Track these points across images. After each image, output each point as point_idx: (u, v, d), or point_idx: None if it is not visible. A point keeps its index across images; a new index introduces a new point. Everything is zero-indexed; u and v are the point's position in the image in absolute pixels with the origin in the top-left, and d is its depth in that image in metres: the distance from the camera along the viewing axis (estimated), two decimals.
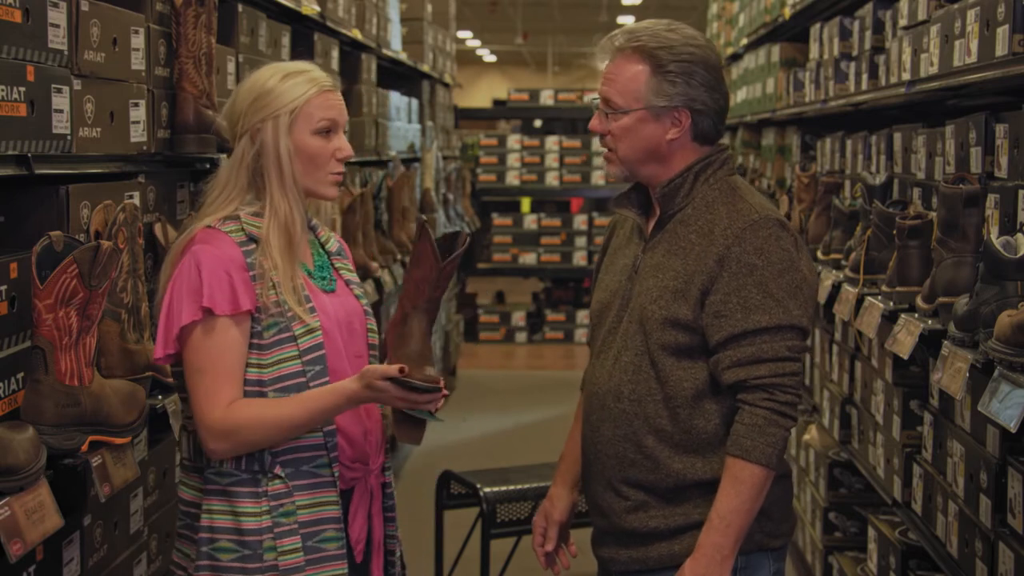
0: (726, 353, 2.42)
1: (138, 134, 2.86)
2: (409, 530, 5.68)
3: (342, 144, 2.49)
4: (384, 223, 5.87)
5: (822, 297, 4.02)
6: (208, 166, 3.36)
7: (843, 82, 4.68)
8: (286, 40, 4.26)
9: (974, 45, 2.93)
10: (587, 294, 11.94)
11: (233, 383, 2.36)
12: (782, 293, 2.42)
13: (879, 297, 3.43)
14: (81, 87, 2.54)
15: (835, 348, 4.72)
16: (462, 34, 20.05)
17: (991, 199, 2.89)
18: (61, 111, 2.42)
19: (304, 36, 4.76)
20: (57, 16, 2.41)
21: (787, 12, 5.78)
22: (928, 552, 3.38)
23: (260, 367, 2.39)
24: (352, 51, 5.81)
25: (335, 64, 5.18)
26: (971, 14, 2.95)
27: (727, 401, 2.47)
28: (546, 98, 11.89)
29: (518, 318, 11.67)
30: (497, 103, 20.38)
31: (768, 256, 2.43)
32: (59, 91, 2.41)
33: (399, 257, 5.79)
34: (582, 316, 11.62)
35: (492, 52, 25.73)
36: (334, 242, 2.63)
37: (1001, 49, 2.75)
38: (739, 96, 7.48)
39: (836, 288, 3.89)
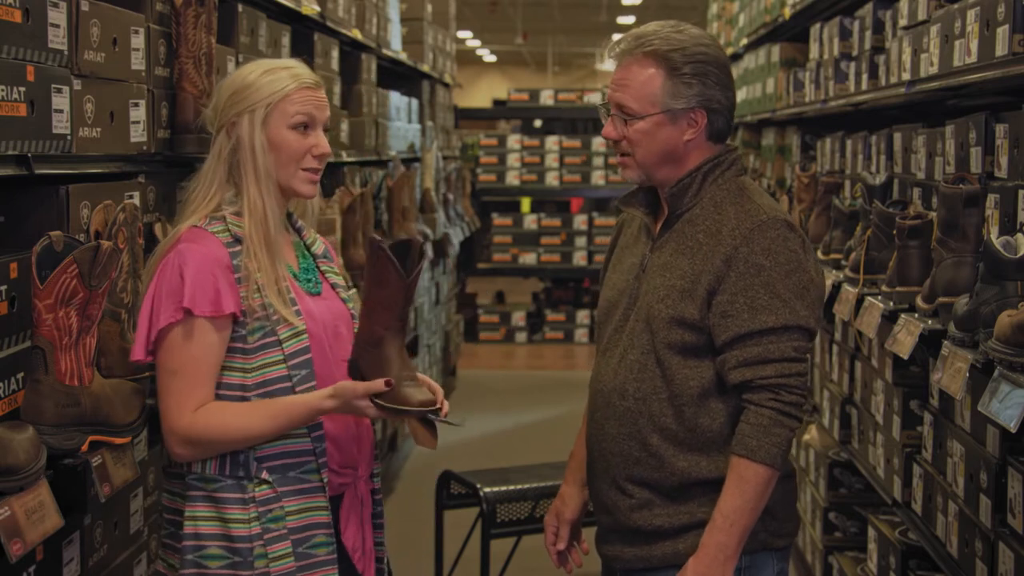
0: (732, 353, 2.43)
1: (138, 134, 2.86)
2: (409, 530, 5.69)
3: (319, 141, 2.47)
4: (384, 223, 5.87)
5: None
6: None
7: (843, 82, 4.68)
8: (286, 40, 4.26)
9: (974, 45, 2.93)
10: (587, 294, 11.95)
11: (205, 388, 2.34)
12: (789, 294, 2.43)
13: (879, 297, 3.43)
14: (81, 87, 2.54)
15: (835, 348, 4.72)
16: (462, 34, 20.05)
17: (991, 199, 2.89)
18: (61, 111, 2.42)
19: (304, 36, 4.76)
20: (57, 16, 2.41)
21: (787, 12, 5.78)
22: (928, 552, 3.38)
23: (244, 371, 2.37)
24: (352, 51, 5.81)
25: (335, 64, 5.17)
26: (971, 14, 2.95)
27: (732, 400, 2.47)
28: (546, 98, 11.89)
29: (518, 318, 11.67)
30: (497, 103, 20.39)
31: (776, 257, 2.43)
32: (59, 91, 2.41)
33: None
34: (582, 316, 11.62)
35: (492, 52, 25.73)
36: (320, 244, 2.61)
37: (1001, 49, 2.75)
38: (739, 96, 7.47)
39: (836, 288, 3.89)
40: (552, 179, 11.55)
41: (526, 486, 4.33)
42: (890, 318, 3.24)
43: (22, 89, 2.25)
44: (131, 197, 2.79)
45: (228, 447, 2.35)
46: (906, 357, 3.02)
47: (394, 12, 6.87)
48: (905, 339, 3.01)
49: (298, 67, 2.49)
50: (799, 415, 2.43)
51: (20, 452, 2.06)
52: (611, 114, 2.56)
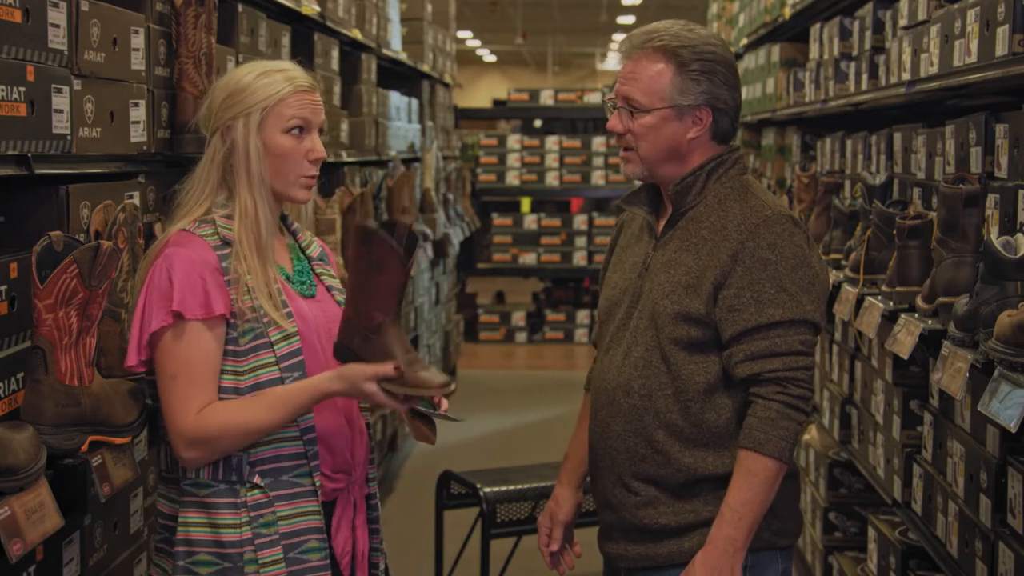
0: (739, 347, 2.44)
1: (138, 134, 2.86)
2: (409, 530, 5.69)
3: (315, 145, 2.44)
4: None
5: None
6: None
7: (843, 82, 4.68)
8: (286, 40, 4.26)
9: (974, 45, 2.93)
10: (587, 294, 11.95)
11: (205, 389, 2.33)
12: (795, 288, 2.43)
13: (879, 297, 3.43)
14: (81, 87, 2.54)
15: (835, 348, 4.72)
16: (462, 34, 20.06)
17: (991, 199, 2.89)
18: (61, 111, 2.42)
19: (304, 36, 4.76)
20: (57, 16, 2.41)
21: (787, 12, 5.78)
22: (928, 552, 3.38)
23: (236, 374, 2.36)
24: (352, 51, 5.81)
25: (335, 64, 5.17)
26: (971, 14, 2.95)
27: (738, 395, 2.48)
28: (546, 98, 11.89)
29: (518, 318, 11.67)
30: (497, 103, 20.38)
31: (781, 251, 2.44)
32: (59, 91, 2.41)
33: None
34: (582, 316, 11.62)
35: (492, 52, 25.73)
36: (316, 247, 2.59)
37: (1001, 49, 2.75)
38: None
39: (836, 288, 3.89)
40: (552, 179, 11.55)
41: (526, 486, 4.33)
42: (890, 318, 3.24)
43: (22, 89, 2.25)
44: (131, 197, 2.79)
45: (236, 444, 2.33)
46: (906, 357, 3.02)
47: (394, 12, 6.87)
48: (905, 339, 3.01)
49: (293, 69, 2.46)
50: (806, 409, 2.43)
51: (20, 452, 2.06)
52: (617, 107, 2.56)
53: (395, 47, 6.83)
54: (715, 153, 2.55)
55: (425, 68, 7.96)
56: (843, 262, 4.03)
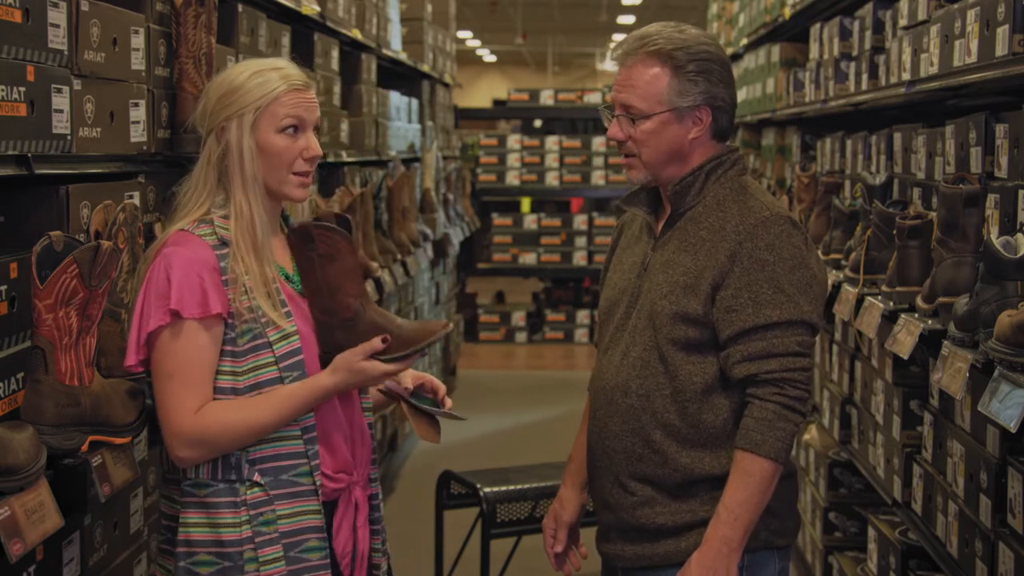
0: (737, 348, 2.44)
1: (138, 134, 2.86)
2: (409, 530, 5.69)
3: (310, 144, 2.43)
4: (384, 223, 5.87)
5: None
6: None
7: (843, 82, 4.68)
8: (286, 40, 4.26)
9: (974, 45, 2.93)
10: (587, 294, 11.95)
11: (203, 389, 2.32)
12: (793, 289, 2.43)
13: (879, 297, 3.43)
14: (81, 87, 2.54)
15: (835, 348, 4.72)
16: (462, 34, 20.06)
17: (991, 199, 2.89)
18: (61, 111, 2.42)
19: (304, 36, 4.76)
20: (57, 16, 2.41)
21: (787, 12, 5.78)
22: (928, 552, 3.38)
23: (235, 375, 2.35)
24: (352, 51, 5.81)
25: (335, 64, 5.17)
26: (971, 14, 2.95)
27: (735, 396, 2.48)
28: (546, 98, 11.89)
29: (518, 318, 11.67)
30: (497, 103, 20.38)
31: (779, 252, 2.44)
32: (59, 91, 2.41)
33: (399, 257, 5.79)
34: (582, 316, 11.62)
35: (492, 52, 25.74)
36: None
37: (1001, 49, 2.75)
38: (739, 96, 7.47)
39: (836, 288, 3.89)
40: (552, 179, 11.55)
41: (526, 486, 4.33)
42: (890, 318, 3.24)
43: (22, 89, 2.25)
44: (131, 197, 2.79)
45: (233, 444, 2.33)
46: (906, 357, 3.02)
47: (394, 12, 6.87)
48: (905, 339, 3.01)
49: (288, 67, 2.45)
50: (803, 410, 2.44)
51: (20, 452, 2.05)
52: (615, 115, 2.56)
53: (395, 47, 6.83)
54: (715, 153, 2.55)
55: (425, 68, 7.96)
56: (843, 262, 4.03)
